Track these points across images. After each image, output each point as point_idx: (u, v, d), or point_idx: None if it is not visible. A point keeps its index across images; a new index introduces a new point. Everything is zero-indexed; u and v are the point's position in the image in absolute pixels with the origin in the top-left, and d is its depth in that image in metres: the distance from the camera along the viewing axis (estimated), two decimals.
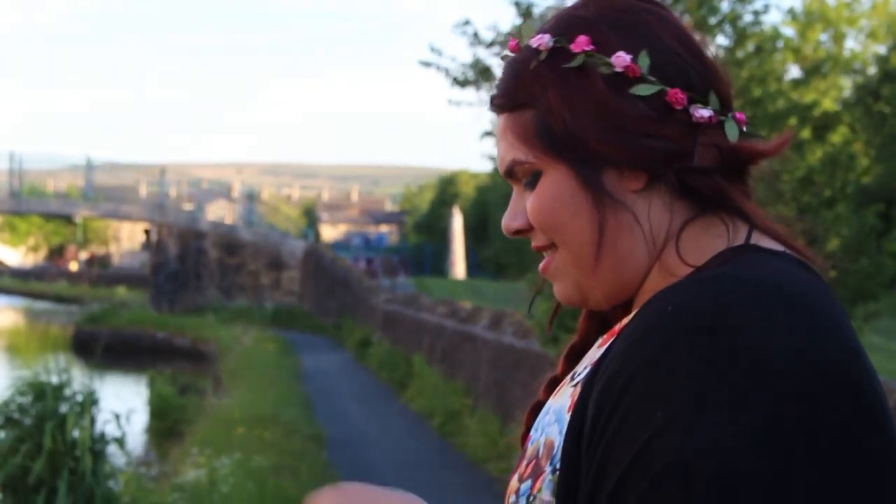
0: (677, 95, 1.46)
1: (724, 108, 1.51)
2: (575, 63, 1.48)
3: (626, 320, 1.47)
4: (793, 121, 20.39)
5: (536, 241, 1.56)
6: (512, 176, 1.56)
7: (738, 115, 1.53)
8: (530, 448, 1.52)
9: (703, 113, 1.47)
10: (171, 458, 17.18)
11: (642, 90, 1.46)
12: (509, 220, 1.58)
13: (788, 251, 1.46)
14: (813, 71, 35.34)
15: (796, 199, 12.75)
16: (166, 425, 22.41)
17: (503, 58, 1.60)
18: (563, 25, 1.53)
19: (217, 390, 25.49)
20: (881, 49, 38.13)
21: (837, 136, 33.31)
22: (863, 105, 35.00)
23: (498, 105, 1.58)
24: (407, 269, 68.72)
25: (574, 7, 1.57)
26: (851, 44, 39.43)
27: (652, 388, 1.27)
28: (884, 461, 1.27)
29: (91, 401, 10.97)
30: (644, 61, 1.47)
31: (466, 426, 17.62)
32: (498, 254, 64.72)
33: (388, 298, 32.66)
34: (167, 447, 19.77)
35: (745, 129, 1.53)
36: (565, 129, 1.48)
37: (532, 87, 1.52)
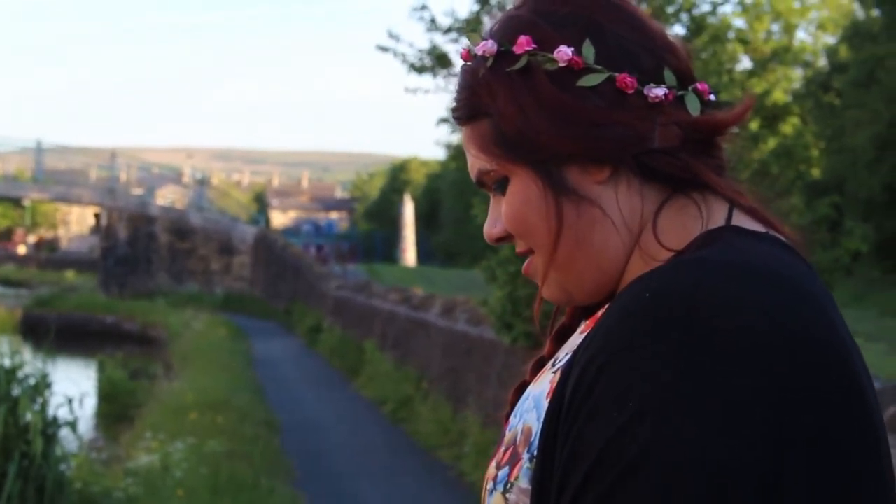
0: (626, 80, 1.44)
1: (684, 83, 1.49)
2: (519, 65, 1.47)
3: (607, 306, 1.44)
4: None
5: (518, 246, 1.55)
6: (483, 185, 1.56)
7: (699, 86, 1.50)
8: (508, 434, 1.49)
9: (658, 92, 1.45)
10: (123, 443, 17.09)
11: (589, 80, 1.45)
12: (489, 228, 1.58)
13: (769, 232, 1.43)
14: (764, 62, 35.48)
15: (752, 190, 12.80)
16: (116, 410, 22.27)
17: (460, 67, 1.59)
18: (505, 28, 1.52)
19: (168, 375, 25.39)
20: (831, 40, 38.33)
21: (788, 128, 33.51)
22: (813, 97, 35.19)
23: (457, 117, 1.57)
24: (357, 256, 68.74)
25: (514, 7, 1.56)
26: (802, 35, 39.63)
27: (625, 376, 1.24)
28: (868, 445, 1.25)
29: (45, 384, 10.88)
30: (588, 51, 1.46)
31: (418, 413, 17.63)
32: (448, 242, 64.86)
33: (340, 285, 32.64)
34: (117, 431, 19.66)
35: (711, 98, 1.51)
36: (519, 133, 1.47)
37: (483, 96, 1.51)
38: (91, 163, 66.98)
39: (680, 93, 1.48)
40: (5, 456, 10.36)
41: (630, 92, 1.44)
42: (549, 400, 1.40)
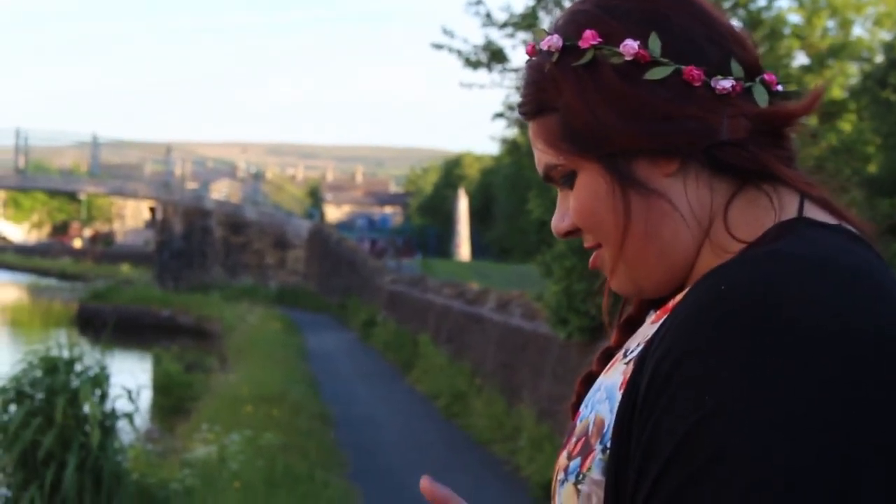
0: (692, 72, 1.44)
1: (751, 74, 1.49)
2: (585, 59, 1.48)
3: (679, 297, 1.44)
4: None
5: (587, 241, 1.56)
6: (550, 179, 1.57)
7: (766, 76, 1.50)
8: (579, 425, 1.50)
9: (725, 84, 1.45)
10: (178, 435, 17.19)
11: (656, 73, 1.45)
12: (558, 222, 1.58)
13: (841, 223, 1.43)
14: (821, 58, 35.22)
15: (822, 181, 12.76)
16: (171, 402, 22.39)
17: (525, 63, 1.60)
18: (570, 23, 1.53)
19: (223, 368, 25.51)
20: (888, 36, 38.00)
21: (846, 124, 33.23)
22: (870, 93, 34.88)
23: (523, 113, 1.58)
24: (412, 250, 68.75)
25: (578, 2, 1.56)
26: (858, 31, 39.31)
27: (700, 372, 1.24)
28: None
29: (103, 376, 10.98)
30: (654, 44, 1.46)
31: (472, 407, 17.62)
32: (502, 237, 64.71)
33: (394, 279, 32.68)
34: (172, 424, 19.77)
35: (778, 89, 1.51)
36: (587, 127, 1.47)
37: (550, 91, 1.51)
38: (146, 157, 67.24)
39: (747, 84, 1.47)
40: (64, 447, 10.46)
41: (697, 84, 1.44)
42: (622, 391, 1.40)
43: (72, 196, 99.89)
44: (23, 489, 10.40)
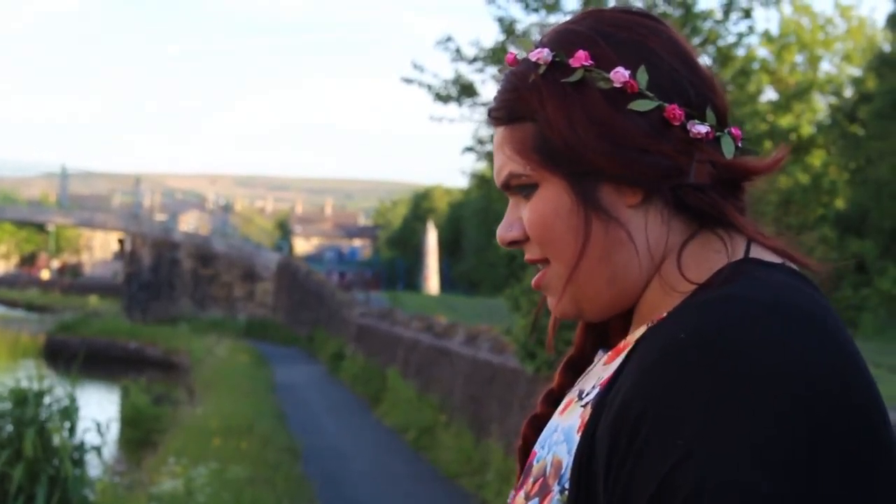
0: (675, 111, 1.46)
1: (721, 123, 1.51)
2: (574, 78, 1.49)
3: (631, 338, 1.49)
4: (768, 144, 20.50)
5: (530, 253, 1.56)
6: (507, 188, 1.56)
7: (733, 130, 1.53)
8: (536, 466, 1.52)
9: (701, 129, 1.47)
10: (146, 468, 17.11)
11: (641, 105, 1.46)
12: (504, 231, 1.58)
13: (785, 262, 1.47)
14: (789, 96, 35.39)
15: (778, 220, 12.81)
16: (139, 435, 22.30)
17: (500, 71, 1.61)
18: (562, 40, 1.53)
19: (191, 401, 25.42)
20: (856, 72, 38.25)
21: (815, 159, 33.38)
22: (838, 127, 35.07)
23: (496, 118, 1.57)
24: (380, 283, 68.59)
25: (572, 22, 1.57)
26: (827, 66, 39.57)
27: (670, 416, 1.28)
28: (890, 479, 1.30)
29: (73, 408, 10.97)
30: (642, 77, 1.47)
31: (441, 441, 17.62)
32: (471, 270, 64.74)
33: (363, 312, 32.62)
34: (140, 456, 19.70)
35: (740, 144, 1.53)
36: (564, 143, 1.47)
37: (531, 101, 1.51)
38: (115, 188, 67.29)
39: (718, 133, 1.50)
40: (33, 479, 10.44)
41: (676, 124, 1.47)
42: (580, 434, 1.43)
43: (40, 227, 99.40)
44: None
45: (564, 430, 1.50)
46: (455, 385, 19.15)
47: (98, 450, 11.32)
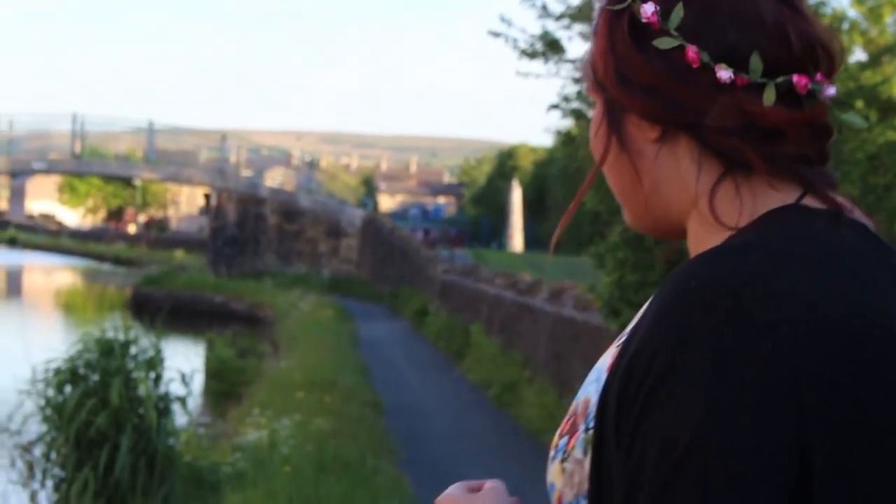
0: (692, 53, 1.44)
1: (774, 72, 1.45)
2: (617, 7, 1.51)
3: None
4: (859, 103, 20.23)
5: None
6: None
7: (797, 78, 1.44)
8: (573, 405, 1.53)
9: (723, 74, 1.43)
10: (230, 419, 17.28)
11: (661, 43, 1.46)
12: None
13: (834, 209, 1.44)
14: (878, 55, 34.92)
15: (864, 179, 12.61)
16: (224, 387, 22.52)
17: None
18: None
19: (275, 354, 25.60)
20: None
21: None
22: None
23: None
24: (464, 240, 68.69)
25: None
26: None
27: (673, 368, 1.28)
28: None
29: (158, 359, 11.06)
30: (676, 15, 1.45)
31: (524, 397, 17.62)
32: (555, 228, 64.75)
33: (447, 269, 32.69)
34: (224, 408, 19.87)
35: (812, 91, 1.45)
36: (594, 70, 1.54)
37: (596, 23, 1.56)
38: (201, 144, 67.62)
39: (761, 80, 1.44)
40: (118, 428, 10.55)
41: (696, 66, 1.44)
42: (607, 374, 1.43)
43: (127, 181, 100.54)
44: (77, 470, 10.50)
45: (597, 369, 1.53)
46: (538, 342, 19.14)
47: (183, 400, 11.40)
